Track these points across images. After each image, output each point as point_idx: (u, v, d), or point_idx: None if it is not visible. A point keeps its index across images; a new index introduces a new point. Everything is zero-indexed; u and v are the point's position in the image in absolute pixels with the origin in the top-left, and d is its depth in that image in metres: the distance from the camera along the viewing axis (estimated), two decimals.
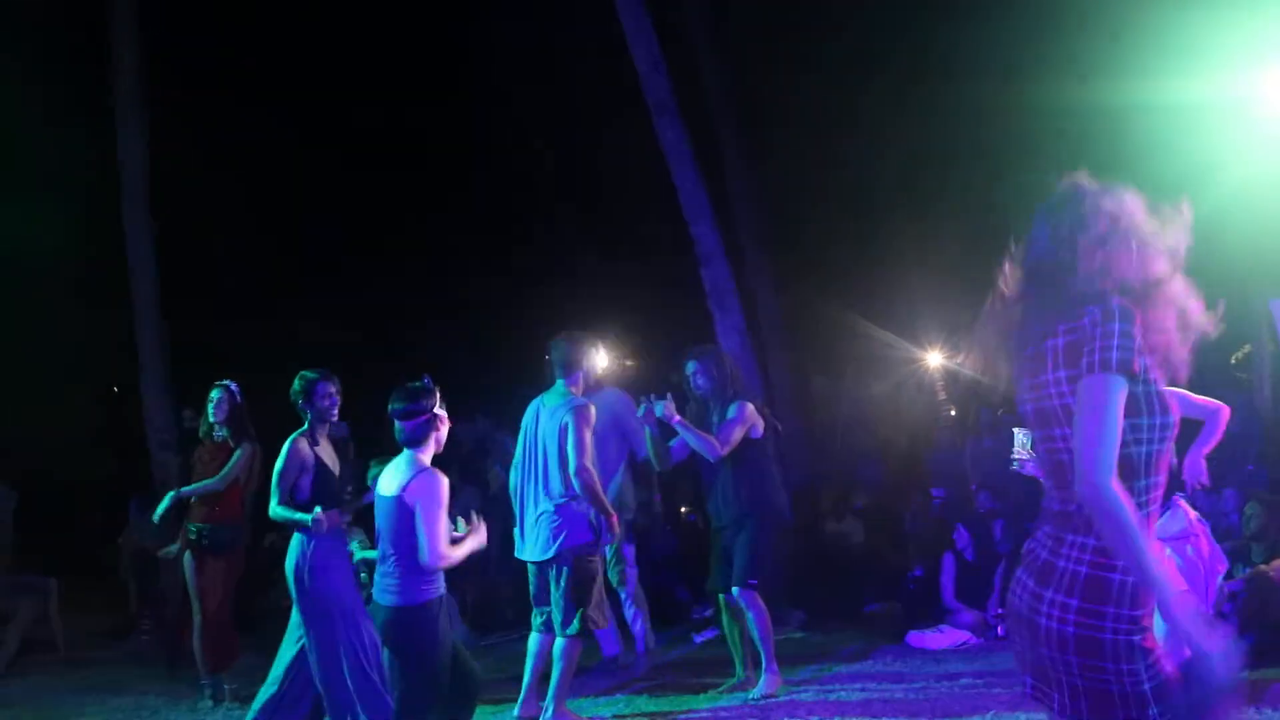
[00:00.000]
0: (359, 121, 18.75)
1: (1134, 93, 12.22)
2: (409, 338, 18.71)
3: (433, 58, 18.72)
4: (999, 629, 9.59)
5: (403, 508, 5.56)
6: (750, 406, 7.77)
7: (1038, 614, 2.94)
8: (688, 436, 7.64)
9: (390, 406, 5.75)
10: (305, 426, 6.85)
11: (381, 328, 19.17)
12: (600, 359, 7.82)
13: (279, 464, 6.75)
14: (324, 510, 6.49)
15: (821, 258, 17.26)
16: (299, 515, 6.55)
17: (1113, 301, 2.91)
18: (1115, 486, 2.79)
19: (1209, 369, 15.83)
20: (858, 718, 6.99)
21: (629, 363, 8.36)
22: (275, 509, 6.66)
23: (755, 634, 7.72)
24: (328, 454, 6.98)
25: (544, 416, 7.27)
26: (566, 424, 7.10)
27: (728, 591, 7.77)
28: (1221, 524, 10.19)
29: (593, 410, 7.28)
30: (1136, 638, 2.86)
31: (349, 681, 6.34)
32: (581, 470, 7.00)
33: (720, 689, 7.89)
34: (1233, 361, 17.25)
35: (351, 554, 8.63)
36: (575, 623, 7.09)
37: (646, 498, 10.49)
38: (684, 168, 12.76)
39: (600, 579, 7.37)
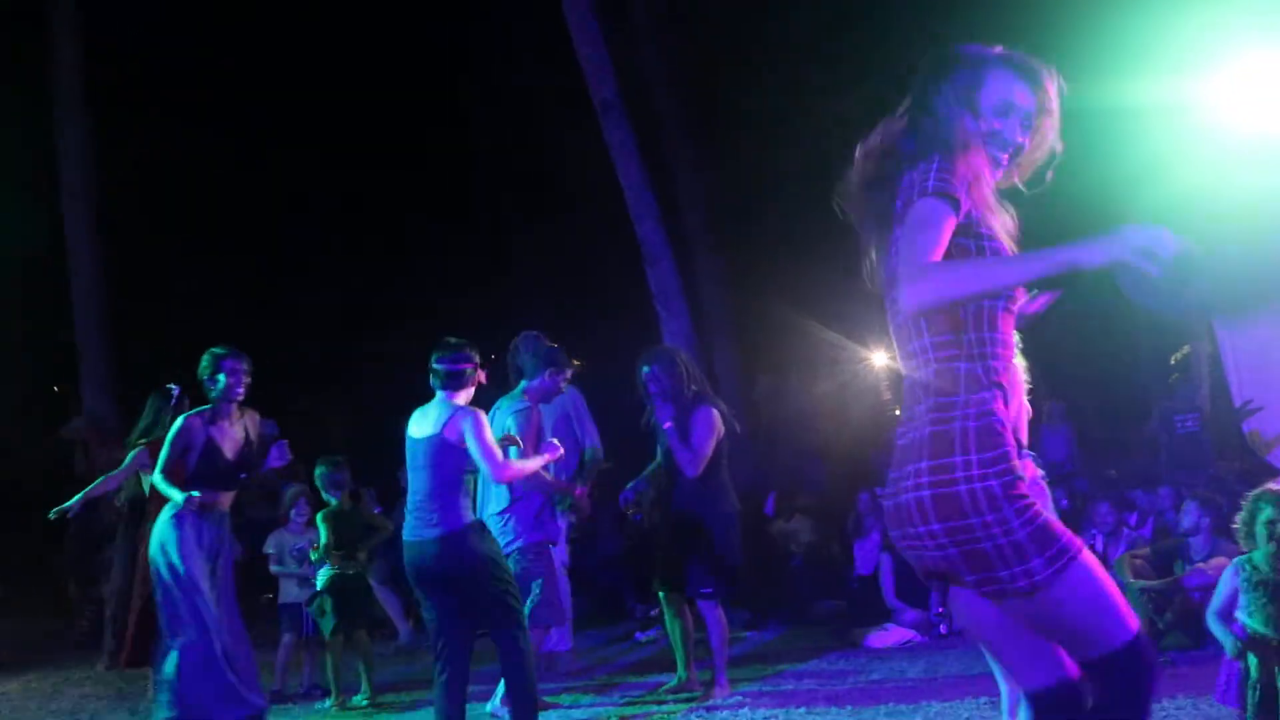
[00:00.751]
0: (302, 121, 18.65)
1: (1079, 95, 12.33)
2: (355, 340, 18.63)
3: (377, 55, 18.64)
4: (942, 627, 9.68)
5: (443, 444, 5.99)
6: (715, 412, 7.71)
7: (898, 497, 2.84)
8: (674, 445, 7.61)
9: (435, 355, 6.15)
10: (208, 405, 7.08)
11: (323, 329, 19.07)
12: (565, 373, 7.81)
13: (168, 435, 7.02)
14: (204, 492, 6.81)
15: (769, 258, 17.32)
16: (173, 490, 6.85)
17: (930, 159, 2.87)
18: (928, 280, 2.70)
19: (1149, 371, 16.09)
20: (804, 714, 7.02)
21: (576, 362, 8.35)
22: (155, 476, 7.01)
23: (712, 642, 7.71)
24: (229, 438, 7.07)
25: (495, 416, 7.30)
26: (509, 424, 7.15)
27: (674, 591, 7.76)
28: (1158, 522, 10.35)
29: (537, 416, 7.35)
30: (993, 483, 2.72)
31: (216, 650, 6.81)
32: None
33: (663, 689, 7.88)
34: (1172, 362, 17.46)
35: (308, 557, 8.64)
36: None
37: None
38: (630, 167, 12.76)
39: (554, 575, 7.39)
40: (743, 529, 8.49)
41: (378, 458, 12.20)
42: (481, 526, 6.18)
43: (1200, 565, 8.49)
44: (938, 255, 2.74)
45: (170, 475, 6.94)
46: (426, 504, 6.00)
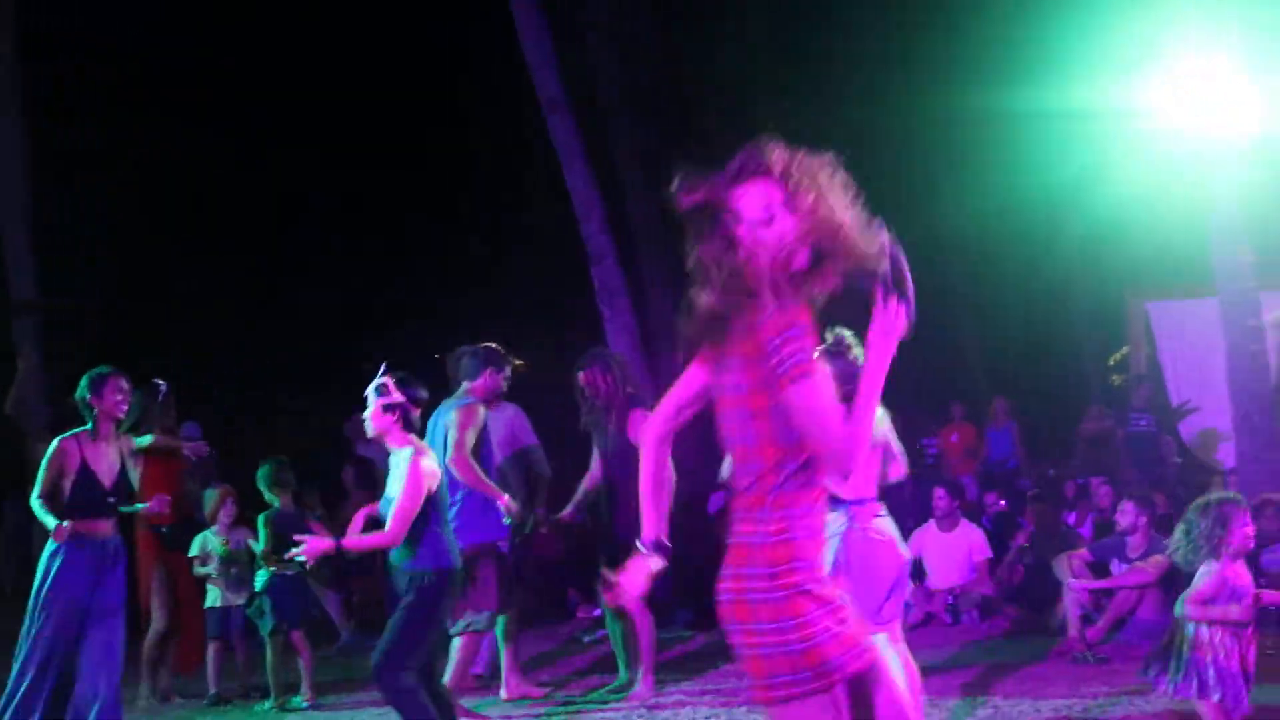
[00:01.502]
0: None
1: (1023, 99, 12.48)
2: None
3: (323, 52, 18.50)
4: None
5: None
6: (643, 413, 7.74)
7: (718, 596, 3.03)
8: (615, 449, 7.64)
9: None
10: (87, 426, 6.86)
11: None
12: (505, 371, 7.77)
13: (44, 458, 6.83)
14: (79, 519, 6.65)
15: None
16: (47, 518, 6.67)
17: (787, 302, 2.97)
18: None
19: (1090, 370, 16.28)
20: (744, 714, 7.03)
21: (519, 363, 8.32)
22: (32, 500, 6.79)
23: (638, 640, 7.72)
24: (105, 458, 6.87)
25: (438, 423, 7.27)
26: (449, 422, 7.10)
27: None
28: (1097, 520, 10.46)
29: (480, 411, 7.30)
30: (780, 595, 2.89)
31: (47, 682, 6.55)
32: (456, 461, 7.00)
33: (605, 690, 7.86)
34: (1110, 364, 17.70)
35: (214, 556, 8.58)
36: (459, 622, 7.08)
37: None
38: (575, 165, 12.74)
39: (495, 578, 7.36)
40: (688, 528, 8.49)
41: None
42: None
43: (1139, 564, 8.59)
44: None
45: (47, 500, 6.70)
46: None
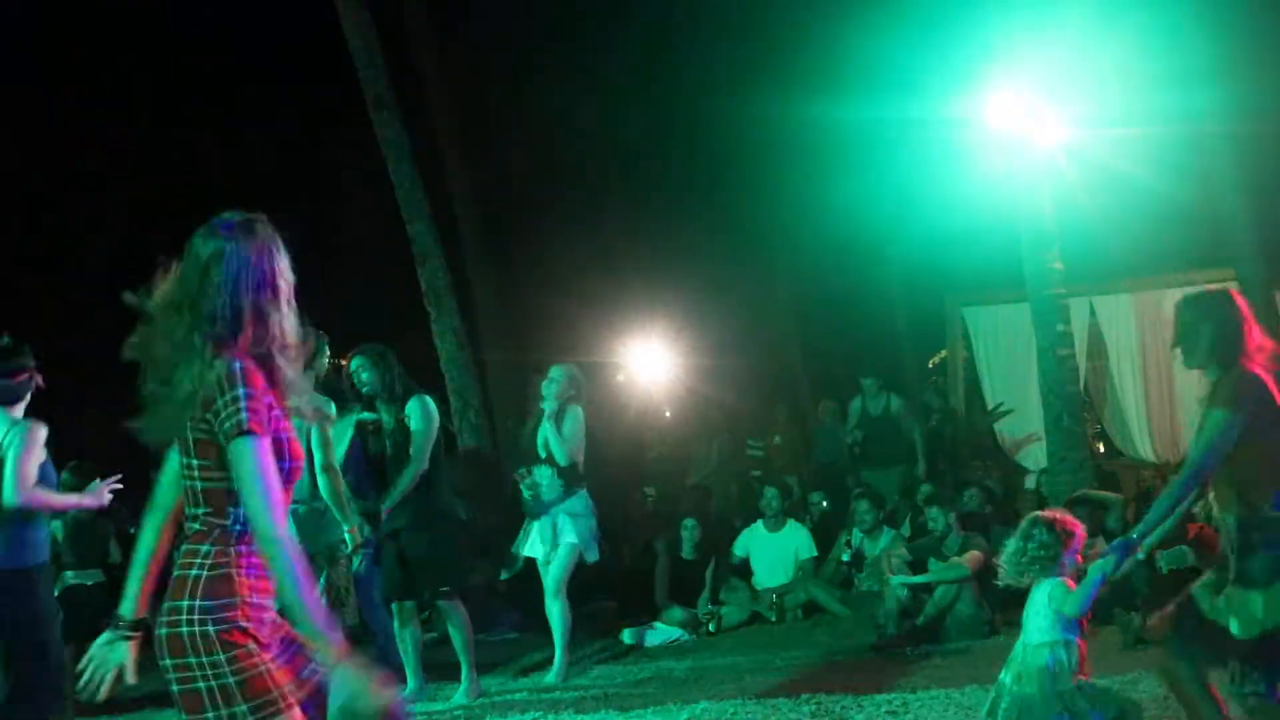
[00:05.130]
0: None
1: (849, 107, 12.74)
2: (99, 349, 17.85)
3: (151, 46, 17.93)
4: (709, 625, 9.82)
5: None
6: (428, 400, 7.67)
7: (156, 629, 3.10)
8: (405, 490, 7.51)
9: None
10: None
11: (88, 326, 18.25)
12: (327, 356, 7.60)
13: None
14: None
15: (543, 257, 17.33)
16: None
17: (234, 364, 3.06)
18: (284, 531, 2.98)
19: (909, 373, 16.64)
20: (572, 715, 7.01)
21: (342, 362, 8.17)
22: None
23: (457, 641, 7.64)
24: None
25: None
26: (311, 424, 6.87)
27: (408, 598, 7.64)
28: (915, 520, 10.71)
29: (332, 407, 7.09)
30: (212, 629, 2.98)
31: None
32: (326, 468, 6.81)
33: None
34: (930, 366, 18.18)
35: None
36: None
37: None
38: (401, 165, 12.59)
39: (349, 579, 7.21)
40: (516, 529, 8.45)
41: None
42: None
43: (956, 559, 8.83)
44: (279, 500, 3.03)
45: None
46: None
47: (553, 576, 8.13)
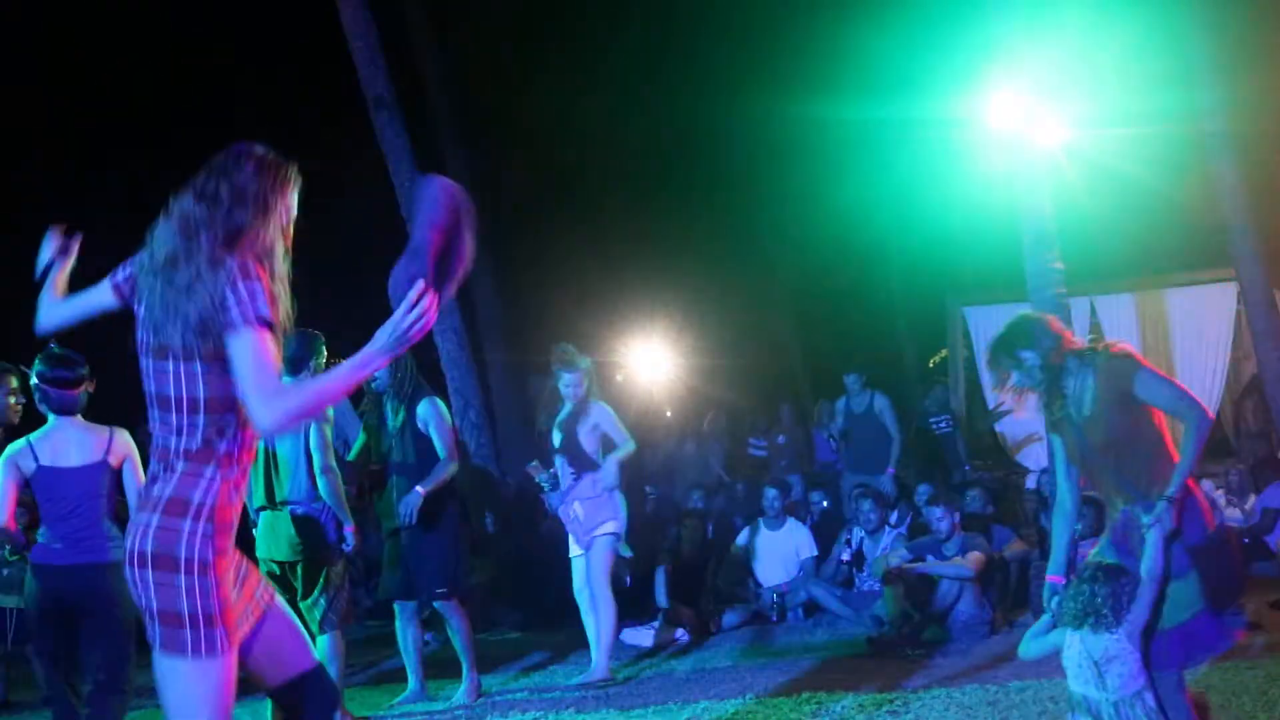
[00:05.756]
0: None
1: (850, 107, 12.75)
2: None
3: (151, 46, 17.93)
4: (710, 625, 9.81)
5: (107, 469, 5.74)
6: (439, 401, 7.66)
7: (128, 537, 3.12)
8: (439, 482, 7.48)
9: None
10: None
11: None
12: (323, 356, 7.57)
13: None
14: None
15: (542, 258, 17.34)
16: None
17: (245, 262, 3.17)
18: (287, 403, 3.02)
19: (909, 372, 16.65)
20: (572, 715, 7.01)
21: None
22: None
23: (456, 642, 7.63)
24: None
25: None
26: (308, 426, 6.83)
27: (408, 598, 7.63)
28: (915, 521, 10.71)
29: (329, 409, 7.05)
30: (211, 555, 3.04)
31: None
32: (326, 470, 6.78)
33: (393, 702, 7.64)
34: (930, 365, 18.19)
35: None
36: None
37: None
38: (401, 165, 12.59)
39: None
40: (517, 529, 8.46)
41: None
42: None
43: (959, 560, 8.83)
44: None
45: None
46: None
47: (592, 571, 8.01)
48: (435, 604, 7.57)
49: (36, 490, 5.75)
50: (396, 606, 7.68)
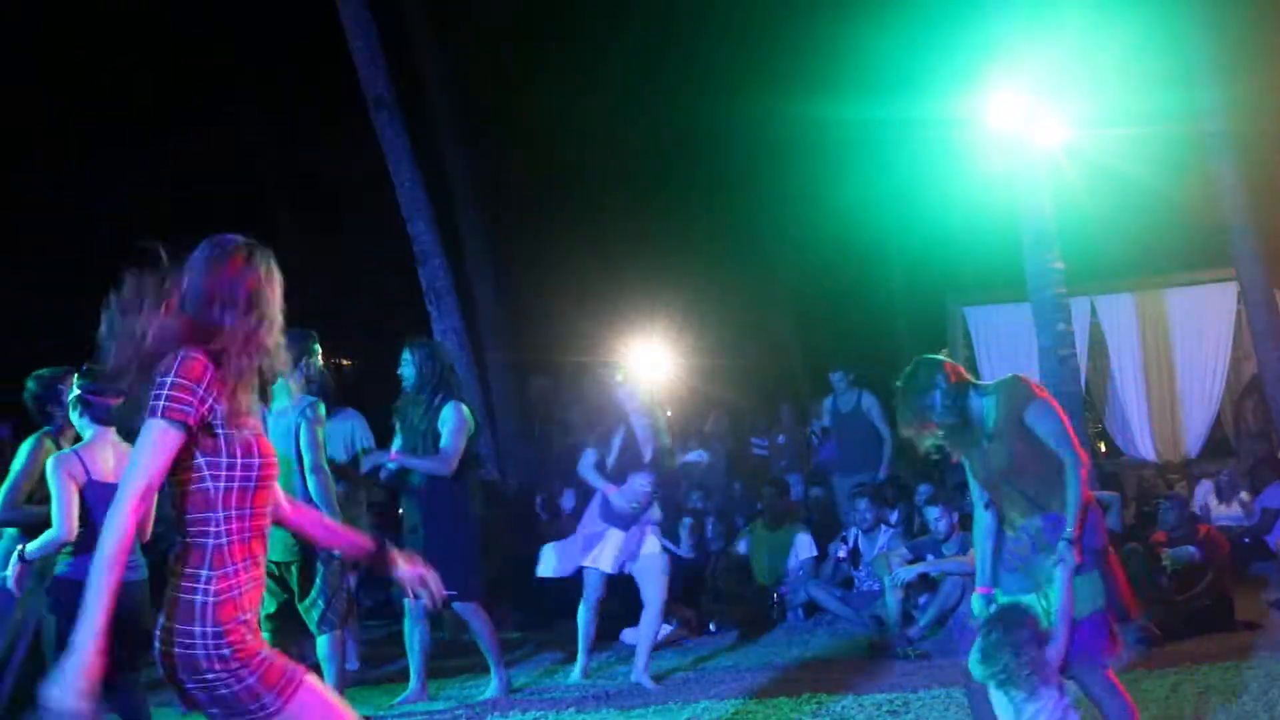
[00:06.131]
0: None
1: (849, 107, 12.75)
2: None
3: (151, 46, 17.93)
4: (710, 624, 9.81)
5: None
6: (464, 408, 7.64)
7: (166, 648, 3.18)
8: (417, 465, 7.47)
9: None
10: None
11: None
12: (318, 356, 7.56)
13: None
14: None
15: (543, 259, 17.35)
16: None
17: (178, 355, 3.18)
18: (129, 514, 3.04)
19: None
20: (573, 715, 7.01)
21: (345, 362, 8.13)
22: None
23: (480, 643, 7.63)
24: None
25: (270, 420, 6.95)
26: (300, 425, 6.83)
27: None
28: (914, 520, 10.71)
29: (321, 408, 7.04)
30: (226, 651, 3.14)
31: None
32: (316, 469, 6.77)
33: (394, 702, 7.62)
34: None
35: None
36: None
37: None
38: (402, 164, 12.59)
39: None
40: (517, 528, 8.44)
41: None
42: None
43: (959, 558, 8.83)
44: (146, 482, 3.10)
45: None
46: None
47: (656, 588, 7.89)
48: (454, 605, 7.56)
49: (86, 502, 5.64)
50: (406, 604, 7.66)
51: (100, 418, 5.73)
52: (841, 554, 10.25)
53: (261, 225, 19.24)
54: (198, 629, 3.13)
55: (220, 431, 3.21)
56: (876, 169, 15.24)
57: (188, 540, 3.22)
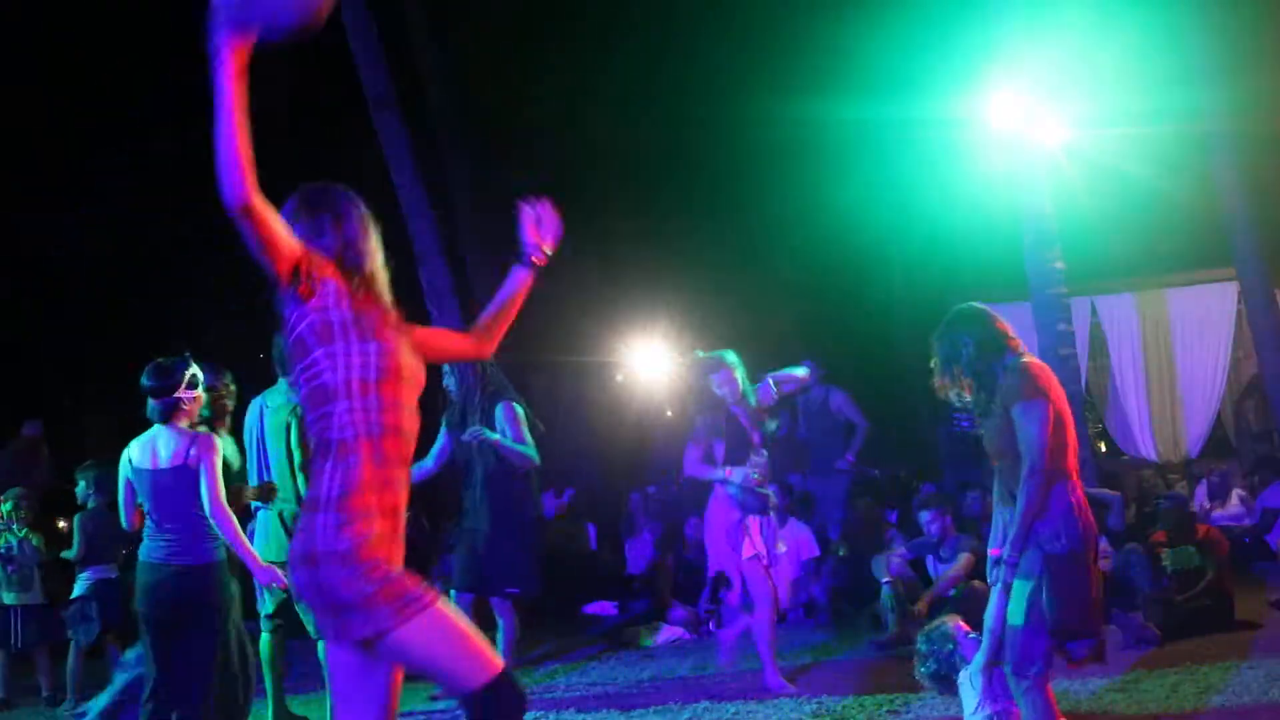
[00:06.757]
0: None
1: (851, 107, 12.76)
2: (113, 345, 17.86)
3: (151, 46, 17.91)
4: (710, 624, 9.81)
5: (186, 473, 5.63)
6: (516, 406, 7.66)
7: (291, 544, 3.13)
8: (509, 450, 7.45)
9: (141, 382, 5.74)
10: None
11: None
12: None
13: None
14: None
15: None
16: None
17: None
18: None
19: (909, 372, 16.61)
20: (573, 715, 7.01)
21: None
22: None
23: (501, 641, 7.64)
24: None
25: (267, 416, 6.98)
26: (291, 423, 6.83)
27: (474, 592, 7.60)
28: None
29: None
30: (344, 544, 3.01)
31: None
32: (305, 467, 6.77)
33: (434, 692, 7.72)
34: (930, 365, 18.18)
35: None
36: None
37: None
38: (402, 164, 12.59)
39: None
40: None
41: None
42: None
43: (949, 571, 8.82)
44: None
45: None
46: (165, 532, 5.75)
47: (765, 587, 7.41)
48: (492, 600, 7.56)
49: (137, 491, 5.78)
50: (454, 595, 7.64)
51: (154, 413, 5.78)
52: (842, 553, 10.26)
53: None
54: (319, 518, 3.04)
55: (336, 314, 3.21)
56: (877, 169, 15.22)
57: (313, 433, 3.17)
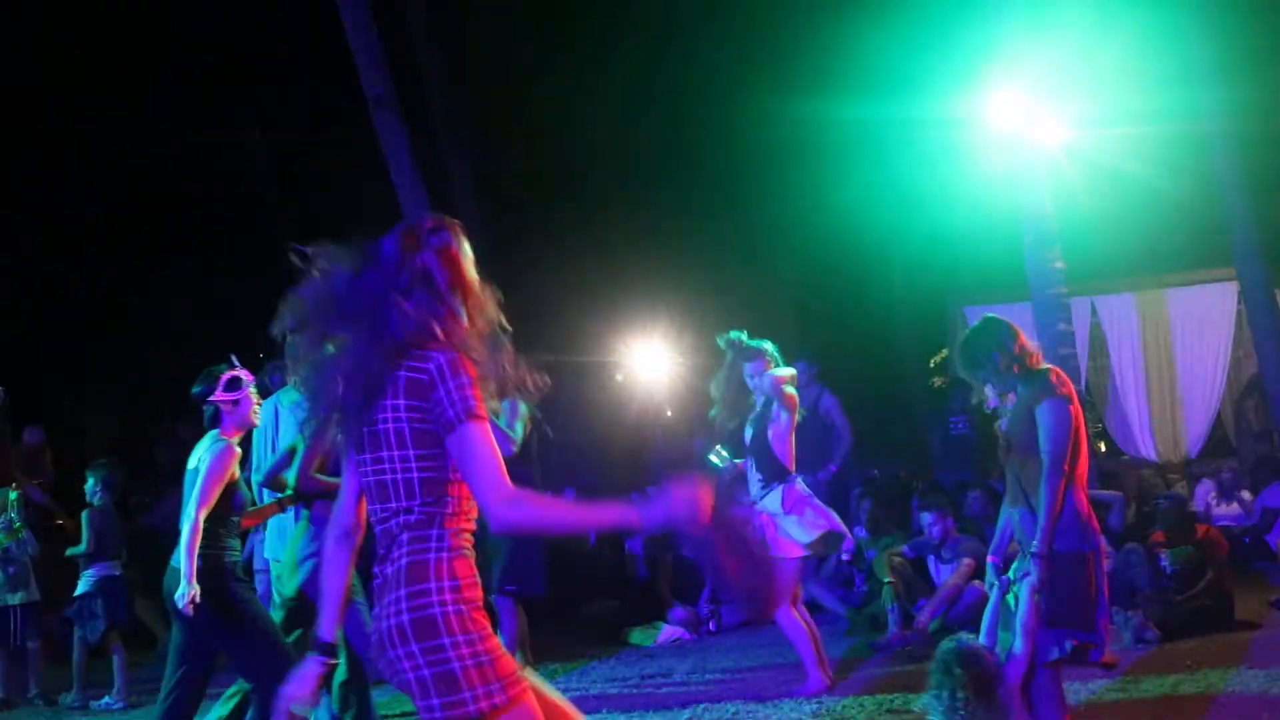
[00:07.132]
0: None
1: (852, 106, 12.76)
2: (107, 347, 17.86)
3: (152, 46, 17.92)
4: (710, 624, 9.81)
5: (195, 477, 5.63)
6: (518, 403, 7.64)
7: (380, 621, 3.03)
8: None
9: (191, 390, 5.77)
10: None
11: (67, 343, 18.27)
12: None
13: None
14: None
15: (541, 258, 17.33)
16: None
17: (447, 354, 3.11)
18: (513, 494, 2.99)
19: (910, 372, 16.63)
20: None
21: None
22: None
23: (503, 642, 7.62)
24: None
25: (283, 415, 6.96)
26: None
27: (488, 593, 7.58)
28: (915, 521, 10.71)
29: None
30: (465, 608, 2.98)
31: None
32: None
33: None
34: (930, 365, 18.19)
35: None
36: None
37: None
38: (401, 163, 12.59)
39: None
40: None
41: None
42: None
43: (950, 579, 8.82)
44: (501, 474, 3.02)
45: None
46: None
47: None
48: (493, 597, 7.55)
49: None
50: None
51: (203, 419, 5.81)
52: (845, 556, 10.24)
53: (261, 226, 19.26)
54: (433, 584, 2.98)
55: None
56: (877, 169, 15.22)
57: (413, 514, 3.05)
